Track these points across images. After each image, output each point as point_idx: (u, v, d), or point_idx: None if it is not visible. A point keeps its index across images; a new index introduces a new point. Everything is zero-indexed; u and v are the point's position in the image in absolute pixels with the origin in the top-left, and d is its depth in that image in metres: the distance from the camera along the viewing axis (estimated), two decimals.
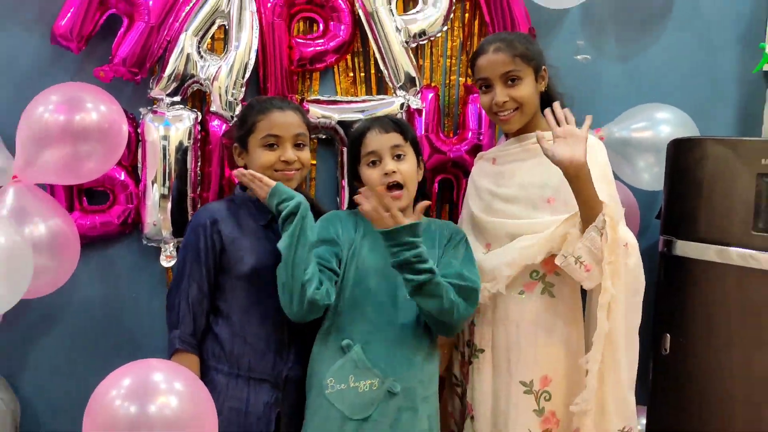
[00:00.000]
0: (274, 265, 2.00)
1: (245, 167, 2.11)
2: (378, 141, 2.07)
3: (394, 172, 2.04)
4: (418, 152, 2.14)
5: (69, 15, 2.39)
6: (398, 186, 2.05)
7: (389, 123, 2.10)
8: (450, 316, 1.97)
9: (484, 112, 2.51)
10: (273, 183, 1.99)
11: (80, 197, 2.54)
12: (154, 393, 1.78)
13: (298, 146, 2.11)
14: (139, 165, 2.50)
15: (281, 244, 1.94)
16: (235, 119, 2.24)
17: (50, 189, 2.46)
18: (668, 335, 2.39)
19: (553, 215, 2.12)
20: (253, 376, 2.07)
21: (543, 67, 2.20)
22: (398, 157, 2.07)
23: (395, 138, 2.07)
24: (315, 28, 2.60)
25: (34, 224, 2.23)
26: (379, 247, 1.99)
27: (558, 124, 2.03)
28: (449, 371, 2.34)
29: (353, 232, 2.10)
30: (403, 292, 2.00)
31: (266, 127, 2.09)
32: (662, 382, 2.45)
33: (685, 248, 2.34)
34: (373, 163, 2.07)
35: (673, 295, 2.40)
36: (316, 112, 2.51)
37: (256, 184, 2.01)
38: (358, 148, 2.09)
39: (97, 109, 2.25)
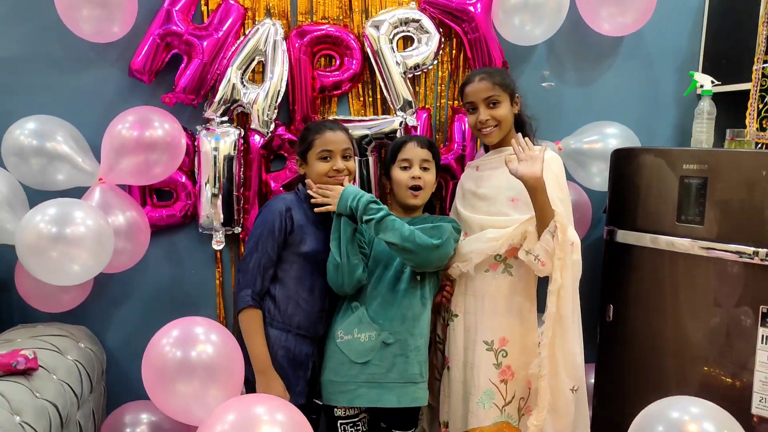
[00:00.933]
0: (324, 249, 2.15)
1: (305, 175, 2.24)
2: (413, 152, 2.23)
3: (419, 178, 2.21)
4: (438, 169, 2.29)
5: (143, 54, 2.51)
6: (418, 188, 2.21)
7: (425, 142, 2.26)
8: (411, 244, 2.06)
9: (467, 128, 2.65)
10: (339, 188, 2.12)
11: (151, 195, 2.63)
12: (195, 341, 1.90)
13: (345, 158, 2.20)
14: (196, 170, 2.58)
15: (345, 235, 2.09)
16: (298, 138, 2.32)
17: (128, 189, 2.55)
18: (612, 306, 2.44)
19: (515, 212, 2.19)
20: (300, 332, 2.17)
21: (516, 95, 2.28)
22: (424, 169, 2.22)
23: (426, 154, 2.24)
24: (333, 62, 2.67)
25: (115, 215, 2.36)
26: None
27: (522, 149, 2.13)
28: (434, 332, 2.40)
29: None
30: (399, 264, 2.13)
31: (321, 144, 2.18)
32: (607, 345, 2.50)
33: (625, 236, 2.40)
34: (405, 168, 2.22)
35: (616, 273, 2.45)
36: None
37: (322, 192, 2.14)
38: (396, 153, 2.23)
39: (163, 126, 2.35)
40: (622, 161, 2.47)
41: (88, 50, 2.57)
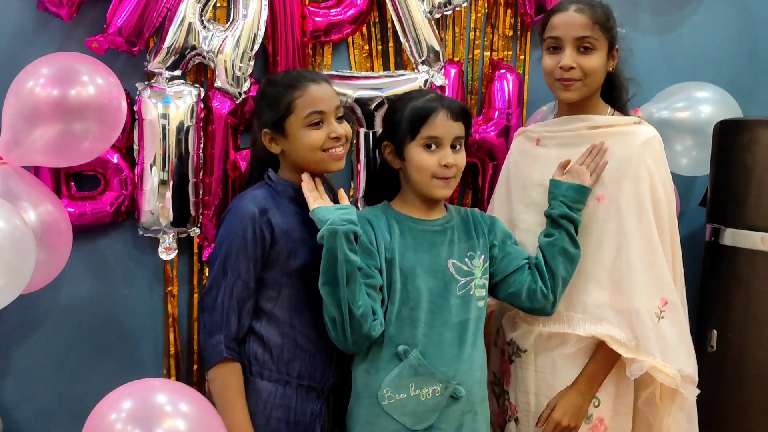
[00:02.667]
0: None
1: (282, 153, 2.07)
2: (445, 127, 2.04)
3: (452, 166, 2.04)
4: (467, 140, 2.14)
5: None
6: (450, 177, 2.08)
7: (460, 111, 2.08)
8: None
9: (512, 88, 2.61)
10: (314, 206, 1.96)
11: (68, 182, 2.47)
12: (158, 416, 1.78)
13: (339, 119, 2.07)
14: (135, 147, 2.44)
15: (322, 281, 1.93)
16: (258, 103, 2.19)
17: (34, 172, 2.39)
18: (715, 331, 2.43)
19: (599, 213, 2.11)
20: (303, 383, 2.05)
21: (616, 45, 2.19)
22: (455, 147, 2.06)
23: (460, 129, 2.07)
24: None
25: (23, 210, 2.16)
26: (421, 244, 2.03)
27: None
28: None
29: (387, 234, 2.07)
30: (455, 287, 2.03)
31: (309, 104, 2.02)
32: (709, 383, 2.38)
33: (734, 237, 2.39)
34: (430, 146, 2.04)
35: (720, 288, 2.44)
36: None
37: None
38: (419, 126, 2.04)
39: (94, 82, 2.17)
40: (729, 137, 2.47)
41: None
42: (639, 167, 2.08)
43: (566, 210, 2.07)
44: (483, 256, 2.10)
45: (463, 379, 2.02)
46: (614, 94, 2.23)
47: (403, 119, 2.07)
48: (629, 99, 2.26)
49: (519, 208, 2.26)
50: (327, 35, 2.53)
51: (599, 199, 2.12)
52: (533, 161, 2.25)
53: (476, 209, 2.28)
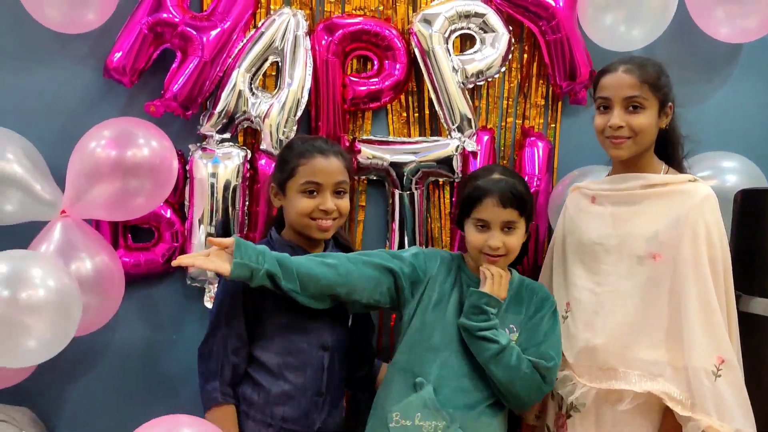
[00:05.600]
0: (313, 312, 2.08)
1: (281, 209, 2.18)
2: (493, 213, 2.10)
3: (498, 248, 2.09)
4: (530, 221, 2.17)
5: (124, 49, 2.47)
6: (498, 256, 2.11)
7: (510, 198, 2.09)
8: (521, 389, 2.05)
9: (542, 155, 2.63)
10: (227, 270, 1.97)
11: (125, 234, 2.58)
12: None
13: (338, 194, 2.14)
14: (186, 203, 2.55)
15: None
16: (276, 159, 2.30)
17: (95, 225, 2.50)
18: None
19: (656, 271, 2.11)
20: (286, 426, 2.10)
21: (670, 103, 2.19)
22: (508, 229, 2.11)
23: (511, 214, 2.10)
24: (369, 66, 2.65)
25: (80, 260, 2.30)
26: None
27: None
28: (542, 420, 2.32)
29: (445, 274, 2.16)
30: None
31: (308, 173, 2.11)
32: None
33: (756, 305, 2.29)
34: (482, 227, 2.11)
35: (747, 359, 2.26)
36: (367, 152, 2.57)
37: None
38: (471, 207, 2.12)
39: (149, 144, 2.31)
40: (751, 205, 2.40)
41: (49, 41, 2.54)
42: (696, 225, 2.06)
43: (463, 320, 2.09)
44: (518, 333, 2.13)
45: (467, 427, 2.04)
46: (669, 150, 2.22)
47: (463, 196, 2.16)
48: (684, 156, 2.25)
49: (574, 264, 2.25)
50: (366, 103, 2.60)
51: (655, 257, 2.11)
52: (589, 218, 2.24)
53: (543, 287, 2.27)
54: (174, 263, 2.03)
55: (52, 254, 2.24)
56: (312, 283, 2.04)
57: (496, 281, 2.09)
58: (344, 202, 2.16)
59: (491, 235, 2.10)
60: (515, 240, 2.13)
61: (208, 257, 2.00)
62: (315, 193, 2.12)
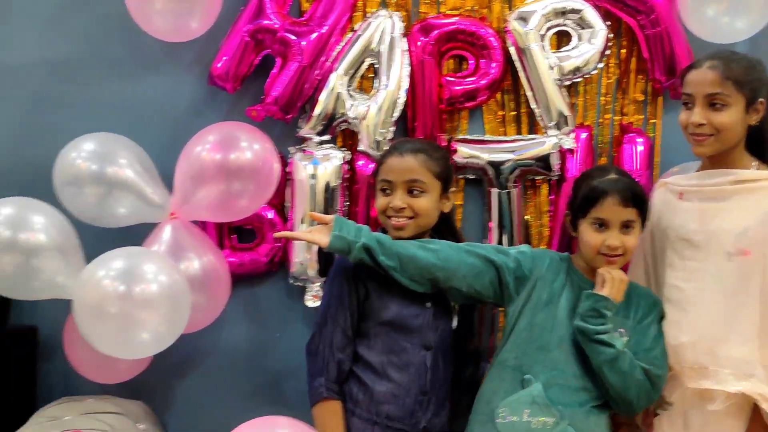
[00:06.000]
0: (417, 312, 2.12)
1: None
2: (613, 212, 2.07)
3: (617, 247, 2.07)
4: (645, 222, 2.15)
5: (227, 56, 2.55)
6: (616, 255, 2.10)
7: (630, 196, 2.08)
8: (633, 395, 2.04)
9: (642, 151, 2.58)
10: (325, 242, 2.05)
11: (230, 235, 2.66)
12: None
13: (411, 192, 2.15)
14: (287, 204, 2.61)
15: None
16: None
17: (202, 226, 2.57)
18: None
19: (745, 268, 2.06)
20: (391, 424, 2.12)
21: (760, 99, 2.12)
22: (626, 229, 2.09)
23: (630, 213, 2.08)
24: (465, 65, 2.66)
25: (189, 260, 2.38)
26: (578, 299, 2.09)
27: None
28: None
29: (554, 275, 2.15)
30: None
31: (383, 171, 2.18)
32: None
33: None
34: (599, 226, 2.09)
35: None
36: (464, 151, 2.58)
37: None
38: (589, 207, 2.09)
39: (251, 147, 2.37)
40: None
41: (157, 51, 2.64)
42: None
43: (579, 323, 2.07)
44: (627, 338, 2.10)
45: (577, 426, 2.04)
46: (761, 146, 2.16)
47: (579, 196, 2.14)
48: None
49: (661, 260, 2.22)
50: (462, 102, 2.61)
51: (745, 253, 2.07)
52: (676, 214, 2.19)
53: (651, 293, 2.23)
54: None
55: (164, 253, 2.34)
56: (411, 264, 2.07)
57: (615, 284, 2.06)
58: (419, 202, 2.15)
59: (610, 235, 2.07)
60: (633, 240, 2.10)
61: (309, 231, 2.12)
62: (388, 191, 2.16)
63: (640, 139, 2.60)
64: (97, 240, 2.39)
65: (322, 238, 2.06)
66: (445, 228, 2.28)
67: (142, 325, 2.15)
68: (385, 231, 2.20)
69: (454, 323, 2.25)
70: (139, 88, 2.66)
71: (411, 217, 2.14)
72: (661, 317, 2.14)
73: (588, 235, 2.10)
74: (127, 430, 2.36)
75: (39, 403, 2.56)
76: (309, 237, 2.11)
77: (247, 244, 2.68)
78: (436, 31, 2.58)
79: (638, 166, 2.59)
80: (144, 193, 2.38)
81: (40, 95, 2.67)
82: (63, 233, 2.32)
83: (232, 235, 2.68)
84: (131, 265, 2.16)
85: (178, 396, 2.73)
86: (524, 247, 2.23)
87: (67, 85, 2.66)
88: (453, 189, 2.29)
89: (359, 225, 2.10)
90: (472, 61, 2.65)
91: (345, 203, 2.61)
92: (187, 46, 2.60)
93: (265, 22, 2.54)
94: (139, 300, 2.13)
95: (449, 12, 2.63)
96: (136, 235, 2.43)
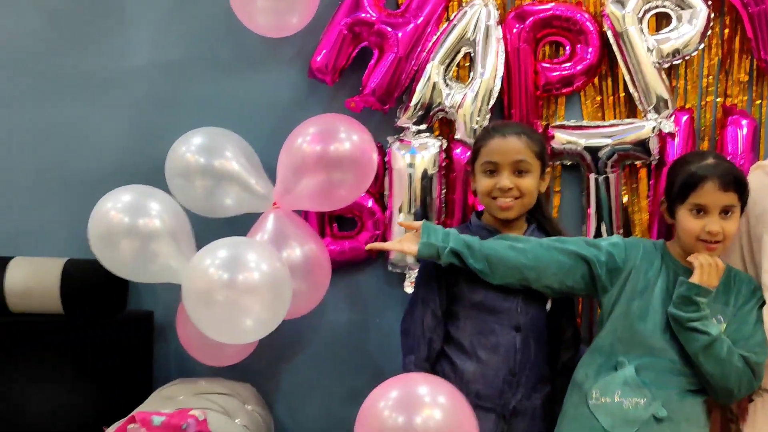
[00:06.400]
0: (507, 293, 2.15)
1: (475, 192, 2.26)
2: (712, 197, 2.04)
3: (717, 233, 2.04)
4: (744, 207, 2.11)
5: (325, 50, 2.61)
6: (717, 242, 2.06)
7: (730, 181, 2.04)
8: (732, 382, 2.01)
9: (746, 134, 2.51)
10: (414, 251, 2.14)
11: (330, 224, 2.72)
12: (419, 405, 1.92)
13: (518, 173, 2.18)
14: (386, 192, 2.65)
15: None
16: None
17: (304, 215, 2.65)
18: None
19: None
20: (480, 404, 2.15)
21: None
22: (725, 214, 2.06)
23: (731, 198, 2.05)
24: (561, 51, 2.64)
25: (291, 249, 2.43)
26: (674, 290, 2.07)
27: None
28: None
29: (649, 263, 2.13)
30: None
31: (486, 153, 2.21)
32: None
33: None
34: (698, 212, 2.06)
35: None
36: (561, 137, 2.56)
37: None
38: (687, 193, 2.07)
39: (350, 138, 2.39)
40: None
41: (259, 47, 2.71)
42: None
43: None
44: (726, 325, 2.07)
45: (670, 408, 2.03)
46: None
47: (676, 182, 2.11)
48: None
49: (758, 245, 2.17)
50: (558, 88, 2.60)
51: None
52: None
53: (752, 278, 2.18)
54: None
55: (266, 242, 2.40)
56: (501, 265, 2.11)
57: (706, 270, 2.02)
58: (525, 182, 2.19)
59: (709, 221, 2.04)
60: (733, 225, 2.06)
61: (398, 241, 2.22)
62: (494, 173, 2.19)
63: (744, 121, 2.53)
64: (206, 229, 2.47)
65: (411, 246, 2.15)
66: (537, 210, 2.30)
67: (246, 312, 2.21)
68: (493, 217, 2.23)
69: (548, 306, 2.26)
70: (244, 84, 2.73)
71: (517, 197, 2.18)
72: (762, 303, 2.08)
73: (687, 221, 2.07)
74: (236, 411, 2.44)
75: (156, 383, 2.68)
76: (398, 246, 2.21)
77: (348, 232, 2.73)
78: (531, 18, 2.57)
79: (742, 149, 2.53)
80: (248, 185, 2.44)
81: (153, 95, 2.77)
82: (177, 219, 2.39)
83: (333, 223, 2.73)
84: (235, 254, 2.22)
85: (284, 379, 2.81)
86: (616, 238, 2.21)
87: (177, 84, 2.76)
88: (548, 170, 2.31)
89: (447, 229, 2.16)
90: (568, 47, 2.63)
91: (442, 191, 2.63)
92: (288, 41, 2.65)
93: (363, 14, 2.58)
94: (243, 288, 2.18)
95: None
96: (242, 224, 2.50)
